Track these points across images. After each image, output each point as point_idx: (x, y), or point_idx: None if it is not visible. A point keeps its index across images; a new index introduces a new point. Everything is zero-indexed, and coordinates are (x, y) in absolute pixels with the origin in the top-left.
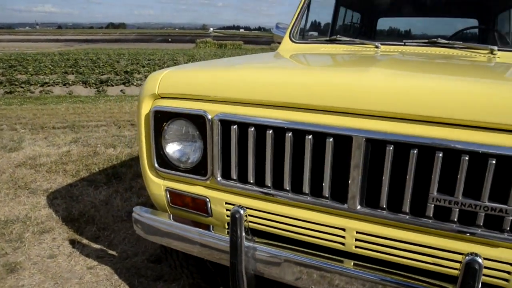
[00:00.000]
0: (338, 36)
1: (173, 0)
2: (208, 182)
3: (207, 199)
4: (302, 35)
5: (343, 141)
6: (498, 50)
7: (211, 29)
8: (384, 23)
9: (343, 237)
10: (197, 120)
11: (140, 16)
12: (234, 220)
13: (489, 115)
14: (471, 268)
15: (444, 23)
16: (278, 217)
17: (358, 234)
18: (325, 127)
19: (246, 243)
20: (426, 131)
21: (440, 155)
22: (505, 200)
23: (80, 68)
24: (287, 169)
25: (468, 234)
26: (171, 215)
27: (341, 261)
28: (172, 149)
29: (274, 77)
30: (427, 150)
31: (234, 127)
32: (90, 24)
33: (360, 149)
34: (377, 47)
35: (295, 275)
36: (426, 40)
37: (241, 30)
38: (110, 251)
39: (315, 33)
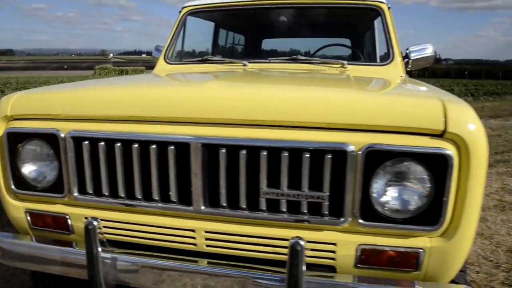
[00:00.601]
0: (210, 56)
1: (68, 25)
2: (66, 199)
3: (67, 216)
4: (179, 57)
5: (183, 148)
6: (348, 64)
7: (111, 54)
8: (266, 44)
9: (194, 238)
10: (51, 139)
11: (30, 42)
12: (88, 232)
13: (303, 115)
14: (294, 250)
15: (318, 42)
16: (134, 225)
17: (207, 234)
18: (166, 136)
19: (104, 254)
20: (251, 133)
21: (265, 153)
22: (321, 188)
23: None
24: (137, 179)
25: (297, 222)
26: (33, 237)
27: (196, 261)
28: (28, 169)
29: (118, 93)
30: (254, 150)
31: (86, 142)
32: None
33: (198, 154)
34: (244, 65)
35: (154, 280)
36: (288, 57)
37: (143, 55)
38: None
39: (196, 54)
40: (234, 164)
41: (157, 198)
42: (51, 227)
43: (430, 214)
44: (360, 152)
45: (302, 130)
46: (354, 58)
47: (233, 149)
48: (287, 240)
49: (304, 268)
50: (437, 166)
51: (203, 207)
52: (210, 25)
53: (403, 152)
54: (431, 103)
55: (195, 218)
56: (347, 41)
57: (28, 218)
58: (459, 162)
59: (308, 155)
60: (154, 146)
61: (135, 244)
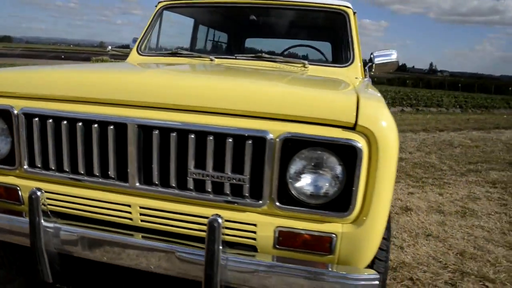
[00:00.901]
0: (179, 49)
1: (68, 15)
2: (17, 171)
3: (18, 188)
4: (152, 49)
5: (122, 128)
6: (309, 64)
7: (109, 47)
8: (239, 41)
9: (130, 212)
10: (5, 115)
11: (29, 30)
12: (31, 201)
13: (227, 103)
14: (212, 226)
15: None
16: (78, 199)
17: (141, 209)
18: (106, 116)
19: (46, 223)
20: (180, 118)
21: (192, 136)
22: (242, 171)
23: None
24: (80, 155)
25: (220, 202)
26: None
27: (132, 235)
28: None
29: (65, 75)
30: (183, 133)
31: (36, 119)
32: None
33: (134, 134)
34: (211, 60)
35: (90, 249)
36: (253, 55)
37: None
38: None
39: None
40: (166, 145)
41: (97, 174)
42: (4, 197)
43: (341, 201)
44: (278, 140)
45: (226, 117)
46: (320, 59)
47: (165, 131)
48: None
49: (221, 243)
50: (348, 157)
51: (137, 184)
52: (188, 20)
53: (317, 142)
54: (346, 98)
55: (131, 194)
56: (316, 43)
57: None
58: (369, 154)
59: (231, 140)
60: (95, 125)
61: (79, 217)
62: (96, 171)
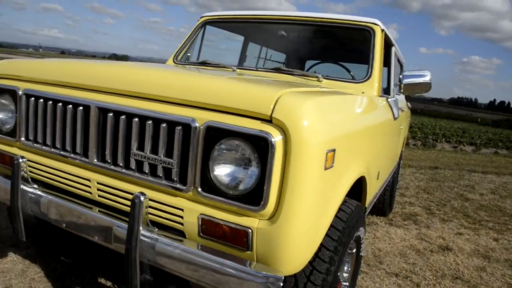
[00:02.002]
0: (208, 60)
1: (178, 38)
2: (18, 143)
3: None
4: (187, 59)
5: (87, 110)
6: (324, 78)
7: None
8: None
9: (89, 187)
10: (12, 94)
11: (143, 50)
12: (13, 166)
13: (163, 91)
14: (133, 202)
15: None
16: (55, 171)
17: (98, 185)
18: (76, 98)
19: (24, 187)
20: (128, 102)
21: (136, 120)
22: (172, 155)
23: None
24: (58, 131)
25: (155, 184)
26: None
27: (90, 208)
28: None
29: (56, 64)
30: (129, 116)
31: (32, 99)
32: (93, 53)
33: (95, 115)
34: (233, 70)
35: (55, 215)
36: (273, 68)
37: None
38: None
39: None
40: (117, 127)
41: (69, 149)
42: (8, 164)
43: (255, 195)
44: (202, 128)
45: (164, 104)
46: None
47: (117, 114)
48: (152, 201)
49: (141, 220)
50: (263, 149)
51: (95, 160)
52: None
53: (234, 132)
54: (267, 91)
55: (91, 170)
56: (345, 59)
57: None
58: (284, 149)
59: (164, 125)
60: (70, 106)
61: (60, 189)
62: (68, 147)
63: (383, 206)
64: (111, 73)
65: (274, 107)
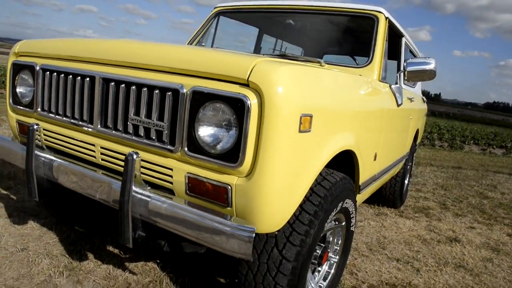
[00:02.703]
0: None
1: None
2: (35, 114)
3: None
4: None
5: (92, 80)
6: (325, 63)
7: None
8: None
9: (94, 151)
10: (31, 69)
11: None
12: (28, 133)
13: (155, 60)
14: (127, 160)
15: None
16: (67, 138)
17: (102, 149)
18: (83, 71)
19: (38, 153)
20: (126, 72)
21: (134, 88)
22: (163, 119)
23: None
24: (69, 101)
25: (149, 146)
26: (17, 140)
27: (94, 170)
28: (19, 90)
29: (68, 42)
30: (127, 85)
31: (47, 73)
32: None
33: (99, 85)
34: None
35: (64, 176)
36: (277, 54)
37: None
38: (12, 196)
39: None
40: (117, 95)
41: (77, 117)
42: (24, 132)
43: (234, 153)
44: (189, 92)
45: (157, 73)
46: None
47: (117, 83)
48: (143, 161)
49: (134, 176)
50: (240, 111)
51: (99, 126)
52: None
53: (217, 95)
54: (245, 58)
55: (95, 136)
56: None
57: (17, 126)
58: (260, 111)
59: (157, 92)
60: (78, 78)
61: (71, 155)
62: (77, 115)
63: (393, 197)
64: (114, 47)
65: (251, 72)
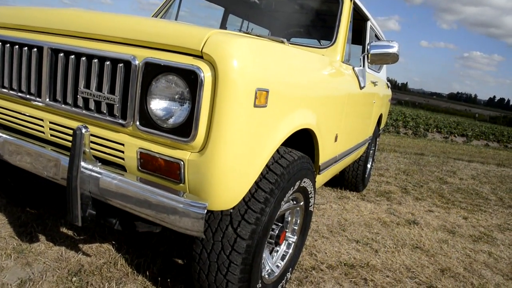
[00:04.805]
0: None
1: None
2: None
3: None
4: None
5: (39, 51)
6: (289, 43)
7: None
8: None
9: (42, 126)
10: None
11: None
12: None
13: (107, 31)
14: (75, 134)
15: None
16: (12, 112)
17: (50, 124)
18: (29, 40)
19: None
20: (78, 43)
21: (84, 59)
22: (114, 92)
23: None
24: (15, 73)
25: (99, 120)
26: None
27: (43, 147)
28: None
29: (15, 10)
30: (77, 56)
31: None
32: None
33: (47, 56)
34: None
35: (9, 153)
36: (244, 31)
37: None
38: None
39: None
40: (66, 67)
41: (24, 90)
42: None
43: (186, 127)
44: (141, 64)
45: (108, 44)
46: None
47: (66, 54)
48: (93, 136)
49: (82, 151)
50: (193, 83)
51: (47, 100)
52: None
53: (169, 67)
54: (199, 30)
55: (43, 110)
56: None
57: None
58: (213, 84)
59: (108, 63)
60: (25, 48)
61: (17, 130)
62: (24, 88)
63: (356, 181)
64: (63, 16)
65: (205, 43)
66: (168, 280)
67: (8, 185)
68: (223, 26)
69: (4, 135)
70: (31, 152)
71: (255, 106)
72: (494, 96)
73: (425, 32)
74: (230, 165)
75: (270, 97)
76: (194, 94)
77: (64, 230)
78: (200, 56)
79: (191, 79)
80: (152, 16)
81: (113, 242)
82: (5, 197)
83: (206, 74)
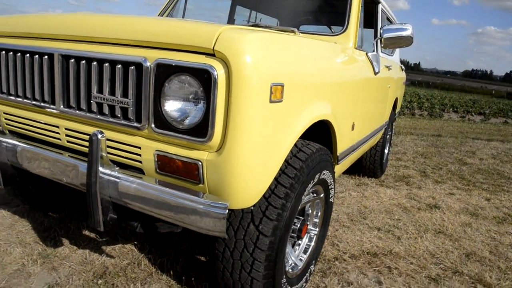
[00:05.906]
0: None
1: None
2: None
3: None
4: None
5: (50, 58)
6: (300, 32)
7: None
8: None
9: (58, 133)
10: None
11: None
12: None
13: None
14: (92, 139)
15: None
16: (27, 120)
17: (66, 131)
18: (40, 48)
19: (1, 138)
20: (88, 48)
21: (95, 64)
22: (127, 95)
23: None
24: (28, 81)
25: (115, 124)
26: None
27: (60, 153)
28: None
29: (22, 18)
30: (89, 61)
31: (2, 52)
32: None
33: (59, 63)
34: None
35: (28, 161)
36: (253, 23)
37: None
38: None
39: None
40: (78, 72)
41: (38, 98)
42: None
43: (202, 127)
44: (152, 65)
45: (118, 47)
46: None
47: (77, 60)
48: (109, 140)
49: (100, 156)
50: (207, 82)
51: (61, 107)
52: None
53: (182, 67)
54: (212, 27)
55: (58, 117)
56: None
57: None
58: (228, 82)
59: (120, 66)
60: (36, 56)
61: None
62: (38, 96)
63: (374, 167)
64: (71, 22)
65: (216, 40)
66: (192, 279)
67: (29, 191)
68: (231, 17)
69: (21, 144)
70: (48, 159)
71: (270, 101)
72: (511, 71)
73: (435, 10)
74: (249, 163)
75: (286, 91)
76: (208, 93)
77: (86, 232)
78: (212, 54)
79: (204, 78)
80: (160, 14)
81: (135, 243)
82: (27, 204)
83: (219, 72)
